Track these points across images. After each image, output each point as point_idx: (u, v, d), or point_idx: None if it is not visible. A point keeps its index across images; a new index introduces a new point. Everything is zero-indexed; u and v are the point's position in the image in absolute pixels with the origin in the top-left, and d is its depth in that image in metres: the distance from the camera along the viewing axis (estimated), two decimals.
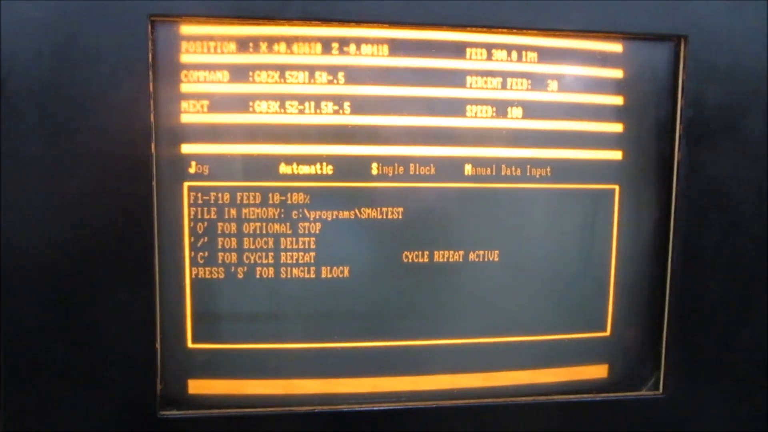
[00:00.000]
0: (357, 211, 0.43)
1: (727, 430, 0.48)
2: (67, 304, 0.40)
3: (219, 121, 0.42)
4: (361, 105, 0.42)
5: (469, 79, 0.43)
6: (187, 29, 0.41)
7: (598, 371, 0.48)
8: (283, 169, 0.42)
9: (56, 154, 0.39)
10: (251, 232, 0.43)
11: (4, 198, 0.39)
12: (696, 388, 0.47)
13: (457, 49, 0.43)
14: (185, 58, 0.41)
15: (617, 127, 0.45)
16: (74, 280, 0.40)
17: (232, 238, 0.42)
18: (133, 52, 0.39)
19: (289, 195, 0.43)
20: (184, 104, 0.41)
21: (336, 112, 0.42)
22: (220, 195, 0.42)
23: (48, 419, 0.41)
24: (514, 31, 0.43)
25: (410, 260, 0.44)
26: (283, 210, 0.43)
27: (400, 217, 0.44)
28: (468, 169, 0.44)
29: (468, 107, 0.44)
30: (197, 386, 0.44)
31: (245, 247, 0.43)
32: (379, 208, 0.43)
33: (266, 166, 0.42)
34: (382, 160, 0.43)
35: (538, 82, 0.44)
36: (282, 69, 0.42)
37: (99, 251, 0.40)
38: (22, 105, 0.38)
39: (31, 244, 0.40)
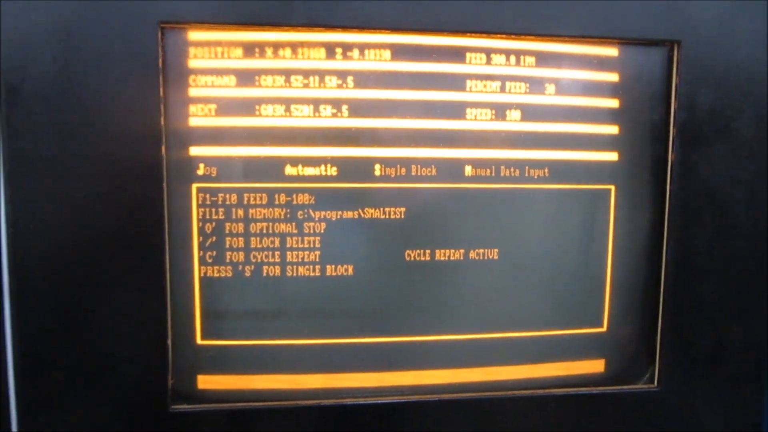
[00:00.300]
0: (360, 211, 0.44)
1: (720, 422, 0.48)
2: (80, 304, 0.41)
3: (226, 124, 0.42)
4: (364, 108, 0.43)
5: (468, 83, 0.44)
6: (195, 35, 0.41)
7: (595, 366, 0.48)
8: (289, 170, 0.43)
9: (69, 157, 0.39)
10: (258, 231, 0.43)
11: (17, 199, 0.39)
12: (690, 382, 0.48)
13: (457, 54, 0.43)
14: (193, 63, 0.41)
15: (613, 129, 0.46)
16: (87, 280, 0.40)
17: (240, 238, 0.43)
18: (144, 57, 0.39)
19: (294, 196, 0.43)
20: (192, 108, 0.41)
21: (340, 116, 0.43)
22: (227, 196, 0.42)
23: (62, 415, 0.41)
24: (513, 36, 0.43)
25: (412, 258, 0.45)
26: (288, 210, 0.43)
27: (403, 216, 0.44)
28: (468, 170, 0.44)
29: (468, 110, 0.44)
30: (206, 381, 0.44)
31: (252, 246, 0.43)
32: (382, 208, 0.44)
33: (272, 168, 0.43)
34: (385, 162, 0.43)
35: (536, 85, 0.44)
36: (287, 73, 0.42)
37: (111, 251, 0.40)
38: (35, 109, 0.39)
39: (45, 244, 0.40)
